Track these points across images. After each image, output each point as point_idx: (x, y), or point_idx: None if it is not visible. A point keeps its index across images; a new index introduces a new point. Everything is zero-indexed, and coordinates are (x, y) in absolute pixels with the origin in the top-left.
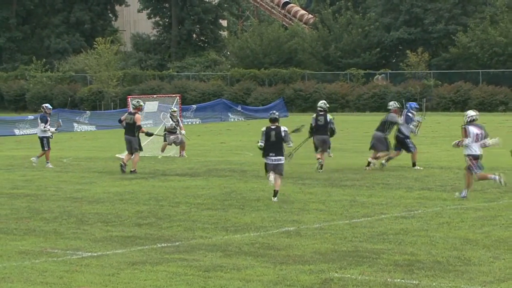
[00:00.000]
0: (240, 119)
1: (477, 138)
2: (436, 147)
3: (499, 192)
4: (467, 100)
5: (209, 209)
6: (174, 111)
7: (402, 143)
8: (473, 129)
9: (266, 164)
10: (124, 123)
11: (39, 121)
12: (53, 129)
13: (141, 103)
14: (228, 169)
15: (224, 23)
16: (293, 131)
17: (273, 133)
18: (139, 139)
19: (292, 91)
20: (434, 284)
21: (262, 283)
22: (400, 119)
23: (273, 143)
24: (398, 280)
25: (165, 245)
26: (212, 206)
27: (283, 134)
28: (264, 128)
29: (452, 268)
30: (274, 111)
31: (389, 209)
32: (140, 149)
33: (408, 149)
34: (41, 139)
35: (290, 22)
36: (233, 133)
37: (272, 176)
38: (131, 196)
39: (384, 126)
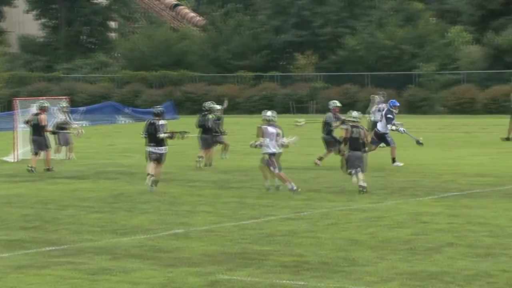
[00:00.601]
0: (129, 121)
1: (273, 138)
2: (324, 149)
3: (384, 194)
4: (354, 102)
5: (97, 212)
6: (64, 107)
7: (382, 138)
8: (270, 129)
9: (148, 152)
10: (31, 124)
11: None
12: None
13: (46, 104)
14: (117, 172)
15: (113, 24)
16: (178, 133)
17: (152, 126)
18: (46, 138)
19: (181, 94)
20: (320, 284)
21: (150, 285)
22: (376, 115)
23: (152, 135)
24: (285, 281)
25: (52, 248)
26: (100, 209)
27: (160, 126)
28: (147, 121)
29: (339, 268)
30: (159, 106)
31: (277, 211)
32: (49, 146)
33: (387, 143)
34: None
35: (180, 24)
36: (122, 136)
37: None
38: (17, 199)
39: (324, 127)
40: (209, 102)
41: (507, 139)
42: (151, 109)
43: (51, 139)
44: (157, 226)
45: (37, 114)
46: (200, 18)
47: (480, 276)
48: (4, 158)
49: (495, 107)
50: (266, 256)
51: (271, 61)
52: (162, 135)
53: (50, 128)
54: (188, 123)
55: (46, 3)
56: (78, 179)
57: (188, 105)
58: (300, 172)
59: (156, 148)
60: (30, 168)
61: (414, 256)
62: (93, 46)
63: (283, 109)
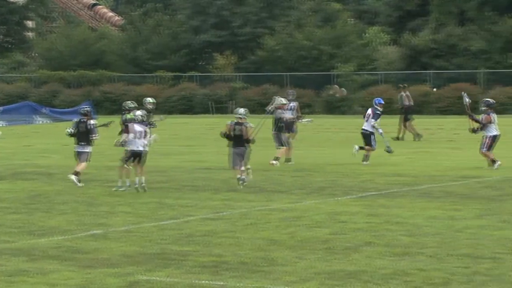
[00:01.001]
0: (47, 121)
1: (141, 136)
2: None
3: (303, 194)
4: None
5: (14, 213)
6: None
7: (367, 138)
8: (136, 127)
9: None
10: None
11: None
12: None
13: None
14: (34, 172)
15: (30, 24)
16: (102, 125)
17: (82, 125)
18: None
19: (100, 94)
20: (240, 284)
21: (68, 287)
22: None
23: (82, 133)
24: (205, 281)
25: None
26: (17, 209)
27: (91, 126)
28: (77, 119)
29: (258, 268)
30: (86, 107)
31: (196, 211)
32: None
33: (370, 144)
34: None
35: (98, 23)
36: (40, 136)
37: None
38: None
39: (275, 124)
40: (129, 102)
41: (397, 138)
42: (69, 109)
43: None
44: (75, 227)
45: None
46: (119, 18)
47: (397, 275)
48: None
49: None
50: (185, 256)
51: (190, 61)
52: (97, 137)
53: None
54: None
55: None
56: None
57: (107, 105)
58: (219, 172)
59: (84, 147)
60: None
61: (333, 255)
62: (9, 46)
63: (202, 110)
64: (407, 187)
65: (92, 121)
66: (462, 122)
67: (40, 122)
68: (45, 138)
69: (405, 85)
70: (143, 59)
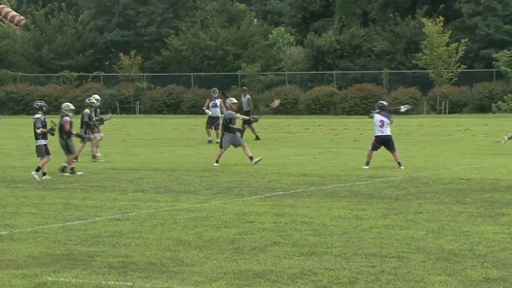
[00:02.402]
0: None
1: None
2: (149, 149)
3: (210, 194)
4: (179, 103)
5: None
6: None
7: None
8: None
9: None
10: None
11: None
12: None
13: None
14: None
15: None
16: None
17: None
18: None
19: (4, 94)
20: (148, 285)
21: None
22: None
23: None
24: (113, 282)
25: None
26: None
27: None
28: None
29: (166, 269)
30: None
31: (103, 212)
32: None
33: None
34: None
35: (1, 23)
36: None
37: None
38: None
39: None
40: (67, 104)
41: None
42: None
43: None
44: None
45: None
46: (22, 18)
47: (305, 275)
48: None
49: (317, 108)
50: (92, 257)
51: (96, 61)
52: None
53: None
54: (11, 123)
55: None
56: None
57: (11, 105)
58: (126, 172)
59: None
60: None
61: (240, 255)
62: None
63: (108, 110)
64: (314, 187)
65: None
66: (366, 122)
67: None
68: None
69: (245, 88)
70: (48, 59)
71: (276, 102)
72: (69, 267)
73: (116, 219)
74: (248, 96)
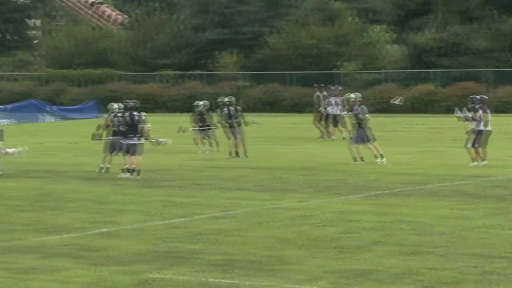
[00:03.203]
0: (52, 119)
1: None
2: (250, 147)
3: (311, 192)
4: (279, 101)
5: (24, 210)
6: None
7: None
8: None
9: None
10: None
11: None
12: None
13: None
14: (44, 170)
15: (36, 22)
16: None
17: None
18: None
19: (105, 92)
20: (250, 283)
21: (78, 284)
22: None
23: (131, 126)
24: (215, 280)
25: None
26: (27, 207)
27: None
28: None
29: (268, 267)
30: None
31: (205, 209)
32: None
33: None
34: None
35: (101, 22)
36: (47, 134)
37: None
38: None
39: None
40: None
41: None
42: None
43: None
44: (85, 225)
45: None
46: (121, 16)
47: (408, 274)
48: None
49: (416, 106)
50: (195, 254)
51: (194, 60)
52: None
53: None
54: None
55: None
56: (3, 177)
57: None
58: (227, 170)
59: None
60: None
61: (342, 254)
62: (14, 44)
63: (208, 108)
64: (415, 186)
65: (143, 113)
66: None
67: (46, 120)
68: (52, 136)
69: (322, 85)
70: (147, 58)
71: (399, 99)
72: (171, 264)
73: (217, 217)
74: (318, 93)
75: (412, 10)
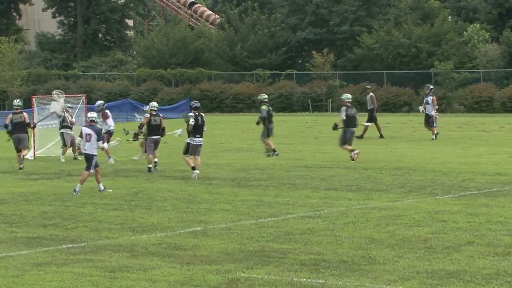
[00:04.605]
0: None
1: (88, 139)
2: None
3: (402, 192)
4: None
5: (115, 209)
6: (70, 107)
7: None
8: (84, 130)
9: (189, 144)
10: (10, 124)
11: None
12: None
13: (20, 104)
14: (135, 170)
15: (130, 22)
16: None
17: (199, 118)
18: (28, 136)
19: (198, 92)
20: (339, 283)
21: (169, 283)
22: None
23: (199, 127)
24: (304, 279)
25: (71, 246)
26: (118, 206)
27: (204, 119)
28: (192, 114)
29: (358, 267)
30: (196, 101)
31: (295, 209)
32: (27, 146)
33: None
34: None
35: (197, 22)
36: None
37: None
38: (36, 196)
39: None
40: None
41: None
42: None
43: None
44: (175, 224)
45: (19, 113)
46: (217, 16)
47: (500, 275)
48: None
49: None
50: (284, 254)
51: (288, 59)
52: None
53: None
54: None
55: (63, 1)
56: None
57: (205, 103)
58: (318, 170)
59: (200, 139)
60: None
61: (433, 255)
62: (110, 44)
63: (300, 108)
64: (509, 186)
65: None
66: None
67: (139, 119)
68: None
69: (368, 86)
70: (241, 57)
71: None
72: (261, 263)
73: (308, 216)
74: (371, 94)
75: (510, 9)
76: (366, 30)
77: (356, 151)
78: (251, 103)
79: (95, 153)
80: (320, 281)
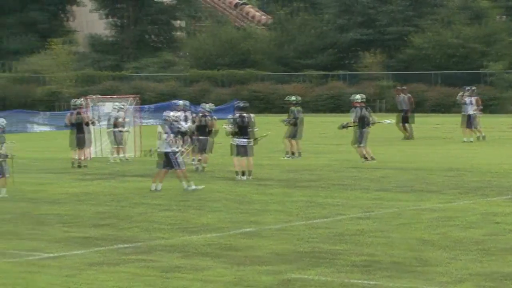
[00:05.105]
0: None
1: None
2: (392, 147)
3: (456, 194)
4: (422, 101)
5: (167, 210)
6: (122, 107)
7: None
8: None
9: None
10: (70, 123)
11: None
12: None
13: (79, 102)
14: (188, 170)
15: (179, 23)
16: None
17: (244, 119)
18: (89, 135)
19: (248, 92)
20: (391, 284)
21: (221, 284)
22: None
23: (243, 128)
24: (356, 280)
25: (124, 246)
26: (170, 207)
27: (252, 119)
28: (231, 118)
29: (410, 268)
30: (244, 101)
31: (346, 210)
32: (90, 144)
33: None
34: None
35: (245, 23)
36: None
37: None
38: (90, 197)
39: None
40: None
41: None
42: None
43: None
44: (227, 224)
45: (78, 113)
46: (265, 17)
47: None
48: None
49: None
50: (336, 255)
51: (337, 60)
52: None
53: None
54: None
55: (113, 2)
56: (149, 177)
57: (255, 103)
58: (368, 171)
59: (243, 140)
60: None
61: (487, 257)
62: (159, 45)
63: (350, 108)
64: None
65: (252, 115)
66: None
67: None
68: None
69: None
70: (290, 58)
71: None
72: (313, 264)
73: (359, 217)
74: (406, 95)
75: None
76: (414, 30)
77: (369, 160)
78: (304, 104)
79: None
80: (372, 282)
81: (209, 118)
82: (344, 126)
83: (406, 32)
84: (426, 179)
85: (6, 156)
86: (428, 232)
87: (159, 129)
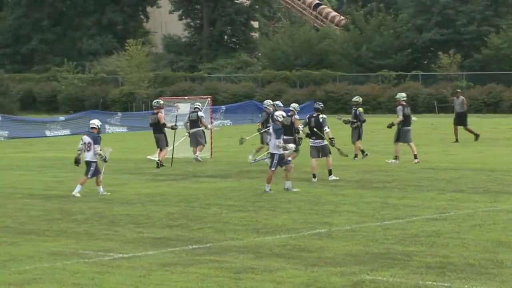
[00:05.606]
0: None
1: (88, 148)
2: (467, 148)
3: None
4: (499, 102)
5: (240, 210)
6: (197, 107)
7: None
8: (85, 138)
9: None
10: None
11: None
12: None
13: (161, 102)
14: (259, 171)
15: (255, 24)
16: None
17: (312, 119)
18: (165, 136)
19: (323, 93)
20: (466, 286)
21: (293, 285)
22: None
23: (312, 129)
24: (430, 282)
25: (196, 246)
26: (243, 207)
27: (321, 120)
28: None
29: (484, 270)
30: (319, 103)
31: (421, 211)
32: (167, 145)
33: None
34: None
35: (322, 23)
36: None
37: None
38: (162, 197)
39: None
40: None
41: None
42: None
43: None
44: (300, 225)
45: (155, 113)
46: (342, 18)
47: None
48: (150, 157)
49: None
50: (410, 256)
51: (414, 60)
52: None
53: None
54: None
55: (189, 3)
56: (221, 178)
57: (330, 104)
58: (443, 172)
59: (316, 141)
60: (158, 163)
61: None
62: (235, 46)
63: (426, 109)
64: None
65: (323, 115)
66: None
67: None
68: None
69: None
70: (366, 58)
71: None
72: (386, 266)
73: (434, 219)
74: (462, 97)
75: None
76: (493, 30)
77: (416, 160)
78: (376, 105)
79: (95, 160)
80: (446, 284)
81: (296, 117)
82: (390, 125)
83: (485, 32)
84: (502, 180)
85: (105, 159)
86: (503, 234)
87: (270, 129)
